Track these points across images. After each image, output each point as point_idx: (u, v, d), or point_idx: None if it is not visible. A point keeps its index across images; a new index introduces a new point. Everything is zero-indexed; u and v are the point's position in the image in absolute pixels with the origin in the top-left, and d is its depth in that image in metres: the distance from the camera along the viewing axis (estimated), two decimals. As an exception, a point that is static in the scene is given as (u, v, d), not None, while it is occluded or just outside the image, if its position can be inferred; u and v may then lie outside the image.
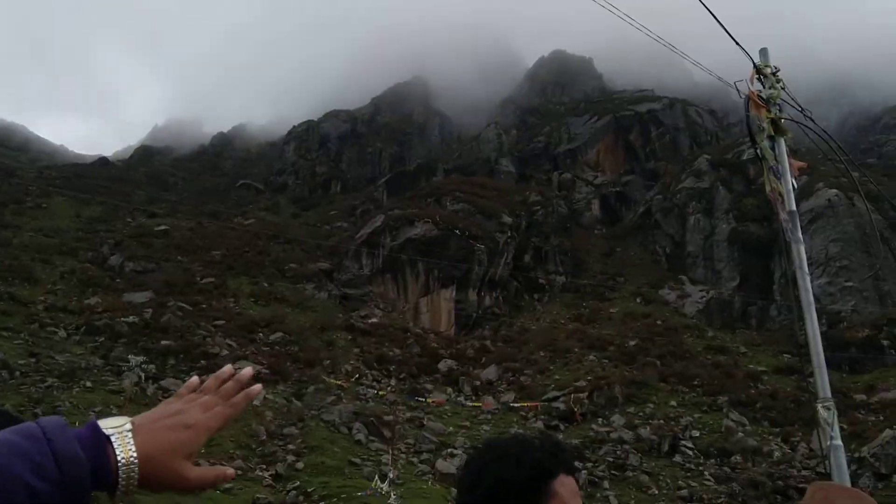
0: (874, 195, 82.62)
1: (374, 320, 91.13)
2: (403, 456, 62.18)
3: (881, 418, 72.30)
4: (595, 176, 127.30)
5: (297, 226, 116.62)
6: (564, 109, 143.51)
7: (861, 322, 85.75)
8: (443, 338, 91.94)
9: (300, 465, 57.05)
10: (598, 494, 63.40)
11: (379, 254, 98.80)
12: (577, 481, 1.29)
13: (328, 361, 78.67)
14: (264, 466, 56.72)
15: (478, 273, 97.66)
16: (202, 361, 68.66)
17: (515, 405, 76.81)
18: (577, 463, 67.43)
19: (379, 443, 63.98)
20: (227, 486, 53.11)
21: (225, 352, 74.50)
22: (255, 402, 66.80)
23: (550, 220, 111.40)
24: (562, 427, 74.51)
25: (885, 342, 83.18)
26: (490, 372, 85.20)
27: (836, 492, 2.22)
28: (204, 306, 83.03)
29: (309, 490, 53.00)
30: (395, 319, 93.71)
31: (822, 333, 8.55)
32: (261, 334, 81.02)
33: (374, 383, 77.76)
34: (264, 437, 60.53)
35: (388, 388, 76.35)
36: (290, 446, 60.18)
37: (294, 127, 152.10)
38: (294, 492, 52.81)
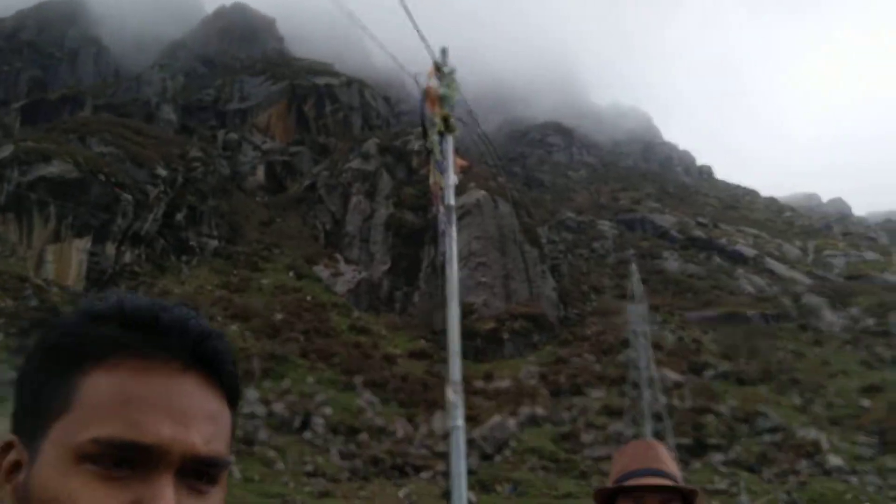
0: (515, 201, 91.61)
1: (-18, 264, 78.52)
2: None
3: (494, 404, 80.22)
4: (264, 141, 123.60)
5: None
6: (240, 66, 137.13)
7: (489, 315, 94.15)
8: (69, 292, 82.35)
9: None
10: (221, 472, 61.16)
11: (2, 189, 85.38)
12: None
13: None
14: None
15: (120, 225, 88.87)
16: None
17: (143, 373, 71.12)
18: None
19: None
20: None
21: None
22: None
23: (210, 179, 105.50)
24: (192, 399, 70.59)
25: (506, 335, 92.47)
26: (119, 335, 77.94)
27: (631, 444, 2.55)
28: None
29: None
30: (13, 265, 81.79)
31: None
32: None
33: (-30, 338, 66.72)
34: None
35: (-13, 346, 65.89)
36: None
37: None
38: None
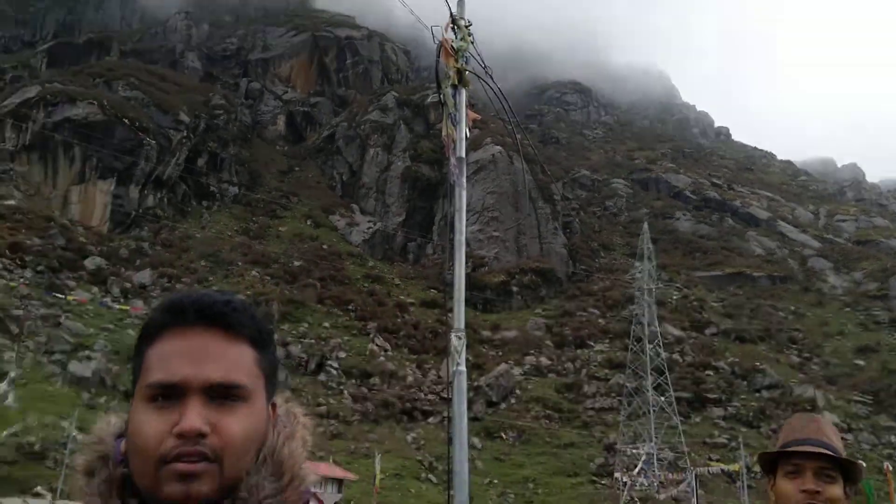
0: (530, 157, 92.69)
1: (12, 202, 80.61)
2: (31, 355, 56.75)
3: (500, 353, 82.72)
4: (285, 91, 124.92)
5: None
6: (264, 15, 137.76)
7: (499, 269, 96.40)
8: (94, 233, 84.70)
9: None
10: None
11: (28, 129, 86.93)
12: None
13: (-54, 242, 68.82)
14: None
15: (144, 169, 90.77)
16: None
17: (166, 312, 73.72)
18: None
19: (3, 338, 57.58)
20: None
21: None
22: None
23: (232, 127, 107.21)
24: (212, 338, 73.38)
25: (515, 288, 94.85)
26: (144, 275, 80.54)
27: (796, 416, 2.62)
28: None
29: None
30: (39, 205, 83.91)
31: (466, 274, 9.13)
32: None
33: (5, 273, 69.35)
34: None
35: (22, 280, 68.61)
36: None
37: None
38: None
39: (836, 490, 2.34)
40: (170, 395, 1.15)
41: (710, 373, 79.08)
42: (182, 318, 1.20)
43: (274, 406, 1.27)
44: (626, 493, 54.95)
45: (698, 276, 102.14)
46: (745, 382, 77.85)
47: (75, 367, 56.21)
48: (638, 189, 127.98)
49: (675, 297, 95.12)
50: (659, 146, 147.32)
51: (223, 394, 1.17)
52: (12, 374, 50.16)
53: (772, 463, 2.48)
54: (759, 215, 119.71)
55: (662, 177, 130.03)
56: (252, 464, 1.18)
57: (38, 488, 37.88)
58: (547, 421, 70.84)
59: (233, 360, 1.20)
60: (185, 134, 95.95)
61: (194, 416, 1.13)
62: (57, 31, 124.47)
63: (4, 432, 42.71)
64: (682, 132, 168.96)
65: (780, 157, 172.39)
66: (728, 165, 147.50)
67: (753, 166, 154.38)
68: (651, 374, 67.33)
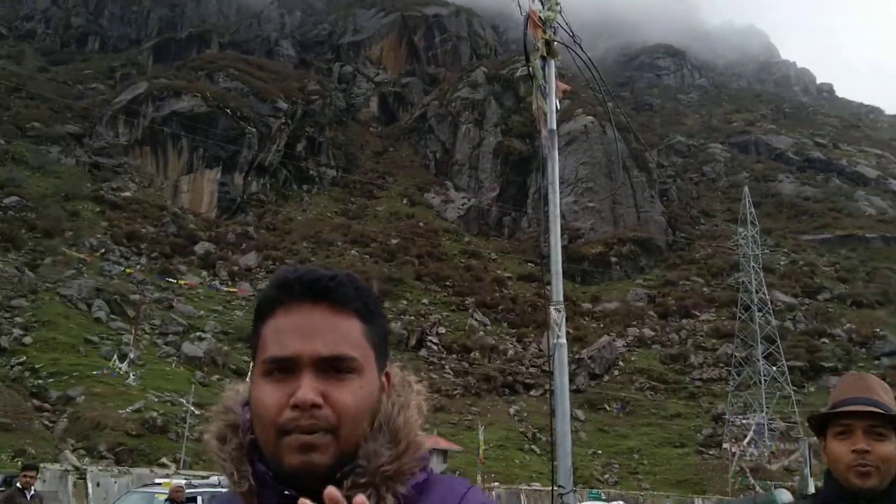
0: (623, 126, 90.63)
1: (128, 194, 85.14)
2: (147, 337, 59.97)
3: (601, 325, 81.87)
4: (376, 72, 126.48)
5: (45, 81, 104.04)
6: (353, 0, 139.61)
7: (596, 240, 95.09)
8: (202, 220, 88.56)
9: (28, 339, 53.25)
10: (346, 383, 66.03)
11: (139, 124, 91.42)
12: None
13: (70, 233, 72.98)
14: (-14, 339, 52.04)
15: (246, 157, 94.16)
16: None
17: (272, 293, 76.53)
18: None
19: (121, 322, 61.03)
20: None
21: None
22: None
23: (327, 111, 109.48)
24: (317, 317, 75.80)
25: (614, 259, 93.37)
26: (250, 258, 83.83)
27: (845, 375, 2.62)
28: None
29: (37, 366, 49.68)
30: (152, 196, 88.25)
31: (562, 247, 9.08)
32: (-8, 196, 73.18)
33: (122, 260, 73.48)
34: (-13, 308, 55.40)
35: (137, 267, 72.57)
36: (18, 319, 55.63)
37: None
38: (18, 367, 49.26)
39: (888, 448, 2.30)
40: (285, 368, 1.21)
41: (826, 340, 75.96)
42: (290, 294, 1.24)
43: (388, 376, 1.30)
44: (735, 463, 53.74)
45: (806, 239, 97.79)
46: (863, 350, 74.43)
47: (188, 347, 59.24)
48: (736, 153, 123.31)
49: (782, 263, 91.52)
50: (758, 107, 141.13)
51: (334, 367, 1.21)
52: (131, 356, 53.31)
53: (822, 425, 2.44)
54: (868, 174, 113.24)
55: (762, 139, 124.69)
56: (368, 432, 1.22)
57: (163, 459, 40.27)
58: (652, 392, 69.96)
59: (341, 334, 1.23)
60: (283, 121, 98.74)
61: (307, 388, 1.19)
62: (160, 27, 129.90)
63: (129, 408, 45.59)
64: (783, 91, 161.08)
65: (887, 112, 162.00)
66: (832, 123, 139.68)
67: (860, 123, 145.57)
68: (761, 342, 65.35)
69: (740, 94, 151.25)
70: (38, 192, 76.84)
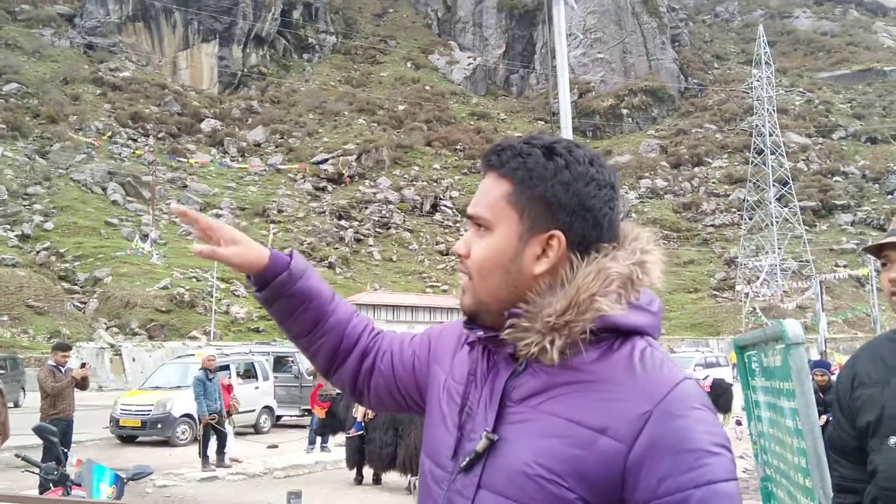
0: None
1: (127, 74, 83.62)
2: (165, 216, 60.89)
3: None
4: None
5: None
6: None
7: (607, 92, 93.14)
8: (205, 96, 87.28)
9: (49, 225, 54.20)
10: (364, 250, 67.24)
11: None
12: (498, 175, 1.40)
13: (75, 117, 72.47)
14: (8, 227, 52.94)
15: (242, 28, 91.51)
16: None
17: (283, 167, 76.60)
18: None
19: (138, 203, 61.72)
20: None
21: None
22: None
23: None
24: (330, 189, 76.18)
25: (625, 111, 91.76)
26: (257, 133, 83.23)
27: None
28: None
29: (62, 251, 50.77)
30: (151, 74, 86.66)
31: (572, 102, 8.63)
32: (-9, 84, 72.27)
33: (130, 142, 73.25)
34: (5, 197, 55.94)
35: (146, 148, 72.43)
36: (37, 206, 56.35)
37: None
38: (44, 252, 50.38)
39: None
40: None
41: (839, 178, 75.61)
42: (483, 162, 1.40)
43: (552, 237, 1.30)
44: (748, 304, 54.96)
45: (822, 77, 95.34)
46: (876, 185, 74.18)
47: (207, 224, 59.92)
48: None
49: (797, 103, 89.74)
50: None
51: (476, 224, 1.34)
52: (153, 235, 54.21)
53: (876, 253, 2.38)
54: (888, 3, 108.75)
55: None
56: (541, 288, 1.31)
57: (194, 332, 41.74)
58: (665, 241, 70.50)
59: (487, 196, 1.34)
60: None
61: (461, 241, 1.37)
62: None
63: (156, 286, 46.83)
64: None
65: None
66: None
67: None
68: (774, 185, 65.19)
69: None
70: (36, 78, 75.75)
